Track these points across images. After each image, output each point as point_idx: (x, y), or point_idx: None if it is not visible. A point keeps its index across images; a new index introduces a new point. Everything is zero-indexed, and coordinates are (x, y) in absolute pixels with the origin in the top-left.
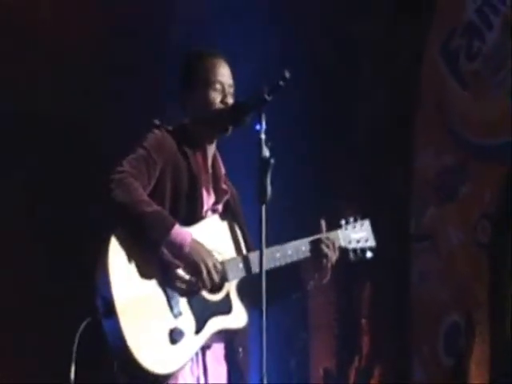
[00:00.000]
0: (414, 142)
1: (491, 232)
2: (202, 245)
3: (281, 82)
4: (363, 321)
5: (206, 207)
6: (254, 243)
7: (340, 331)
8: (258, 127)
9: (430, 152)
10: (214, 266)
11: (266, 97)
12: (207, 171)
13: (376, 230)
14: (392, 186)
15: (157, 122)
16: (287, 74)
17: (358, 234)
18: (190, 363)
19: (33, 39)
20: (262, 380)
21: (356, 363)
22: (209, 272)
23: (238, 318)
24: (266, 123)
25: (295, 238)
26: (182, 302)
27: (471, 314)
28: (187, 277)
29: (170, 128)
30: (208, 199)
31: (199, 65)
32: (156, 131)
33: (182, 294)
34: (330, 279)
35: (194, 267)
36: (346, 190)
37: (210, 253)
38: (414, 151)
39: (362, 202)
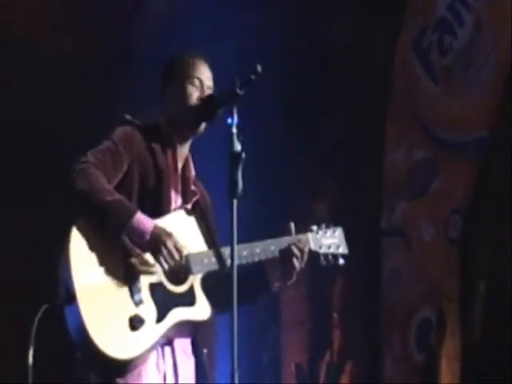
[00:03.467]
0: (385, 137)
1: (462, 228)
2: (163, 229)
3: (252, 76)
4: (335, 316)
5: (173, 206)
6: (223, 241)
7: (311, 326)
8: (229, 121)
9: (402, 148)
10: (175, 247)
11: (238, 91)
12: (176, 171)
13: (348, 226)
14: (363, 182)
15: (128, 116)
16: (259, 68)
17: (329, 240)
18: (155, 358)
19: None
20: (233, 376)
21: (327, 358)
22: (169, 251)
23: (201, 310)
24: (240, 120)
25: (265, 236)
26: (144, 291)
27: (442, 309)
28: (148, 260)
29: (141, 124)
30: (176, 198)
31: (181, 61)
32: (125, 125)
33: (144, 286)
34: (302, 273)
35: (154, 251)
36: (318, 185)
37: (170, 234)
38: (386, 147)
39: (334, 197)
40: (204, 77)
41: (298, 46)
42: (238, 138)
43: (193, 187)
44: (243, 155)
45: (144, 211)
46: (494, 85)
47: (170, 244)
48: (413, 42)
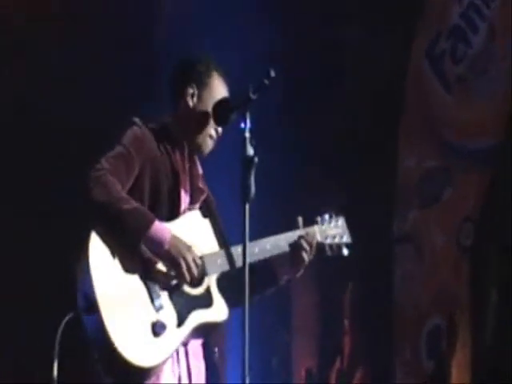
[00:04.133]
0: (398, 144)
1: (474, 236)
2: (181, 240)
3: (266, 81)
4: (345, 322)
5: (183, 206)
6: (231, 242)
7: (322, 332)
8: (242, 125)
9: (414, 155)
10: (194, 261)
11: (251, 95)
12: (185, 171)
13: (360, 233)
14: (376, 189)
15: (136, 119)
16: (272, 73)
17: (333, 230)
18: (170, 363)
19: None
20: (244, 380)
21: (338, 364)
22: (188, 267)
23: (218, 311)
24: (252, 121)
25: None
26: (163, 296)
27: (453, 317)
28: (167, 271)
29: (150, 125)
30: (185, 198)
31: (203, 74)
32: (135, 128)
33: (163, 288)
34: (313, 279)
35: (173, 263)
36: (330, 193)
37: (189, 248)
38: (398, 154)
39: (347, 205)
40: (220, 96)
41: (311, 55)
42: (250, 142)
43: (200, 185)
44: (256, 160)
45: (156, 212)
46: (506, 93)
47: (189, 257)
48: (426, 50)
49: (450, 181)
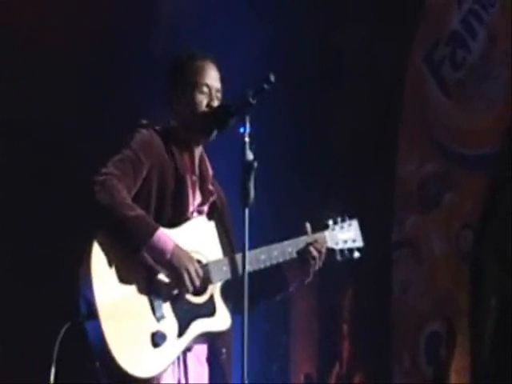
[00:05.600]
0: (397, 150)
1: (473, 241)
2: (183, 250)
3: (265, 86)
4: (344, 327)
5: (191, 208)
6: (238, 245)
7: (321, 337)
8: (242, 130)
9: (414, 160)
10: (196, 272)
11: (251, 100)
12: (194, 172)
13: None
14: (375, 194)
15: (144, 121)
16: (272, 78)
17: (345, 235)
18: (171, 366)
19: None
20: None
21: (337, 369)
22: (191, 278)
23: (221, 320)
24: (252, 125)
25: (279, 240)
26: (165, 305)
27: (452, 323)
28: (169, 282)
29: (158, 128)
30: (194, 200)
31: (188, 66)
32: (143, 131)
33: (165, 298)
34: (312, 284)
35: (175, 274)
36: (329, 197)
37: (191, 258)
38: (398, 159)
39: (345, 209)
40: (212, 82)
41: (310, 58)
42: (250, 146)
43: (210, 187)
44: (255, 164)
45: (163, 215)
46: (506, 99)
47: (191, 268)
48: (425, 56)
49: (450, 186)
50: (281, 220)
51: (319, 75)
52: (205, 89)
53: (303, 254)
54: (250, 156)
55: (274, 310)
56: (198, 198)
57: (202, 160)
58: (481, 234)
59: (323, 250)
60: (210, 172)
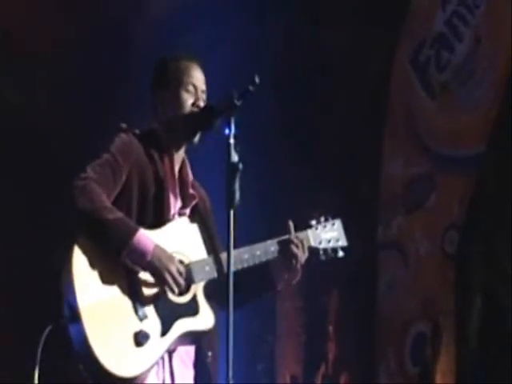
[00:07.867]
0: (382, 151)
1: (458, 242)
2: (164, 251)
3: (250, 87)
4: (330, 328)
5: (173, 211)
6: (222, 246)
7: (307, 338)
8: (227, 132)
9: (399, 161)
10: (178, 271)
11: (236, 101)
12: (174, 176)
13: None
14: (360, 195)
15: (123, 125)
16: (257, 79)
17: (328, 234)
18: (155, 367)
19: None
20: None
21: (322, 370)
22: (174, 278)
23: (204, 319)
24: (238, 127)
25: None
26: (147, 306)
27: (437, 323)
28: (152, 282)
29: (137, 131)
30: (175, 203)
31: (174, 66)
32: (122, 135)
33: (147, 298)
34: (298, 285)
35: (157, 274)
36: (314, 198)
37: (172, 258)
38: (383, 160)
39: (330, 210)
40: (198, 82)
41: (295, 58)
42: (235, 148)
43: (191, 190)
44: (240, 166)
45: (144, 218)
46: (491, 100)
47: (172, 268)
48: (410, 57)
49: (435, 187)
50: (267, 220)
51: (305, 76)
52: (191, 88)
53: (285, 252)
54: (235, 157)
55: (260, 310)
56: (179, 202)
57: (183, 165)
58: (465, 234)
59: (304, 248)
60: (191, 176)
